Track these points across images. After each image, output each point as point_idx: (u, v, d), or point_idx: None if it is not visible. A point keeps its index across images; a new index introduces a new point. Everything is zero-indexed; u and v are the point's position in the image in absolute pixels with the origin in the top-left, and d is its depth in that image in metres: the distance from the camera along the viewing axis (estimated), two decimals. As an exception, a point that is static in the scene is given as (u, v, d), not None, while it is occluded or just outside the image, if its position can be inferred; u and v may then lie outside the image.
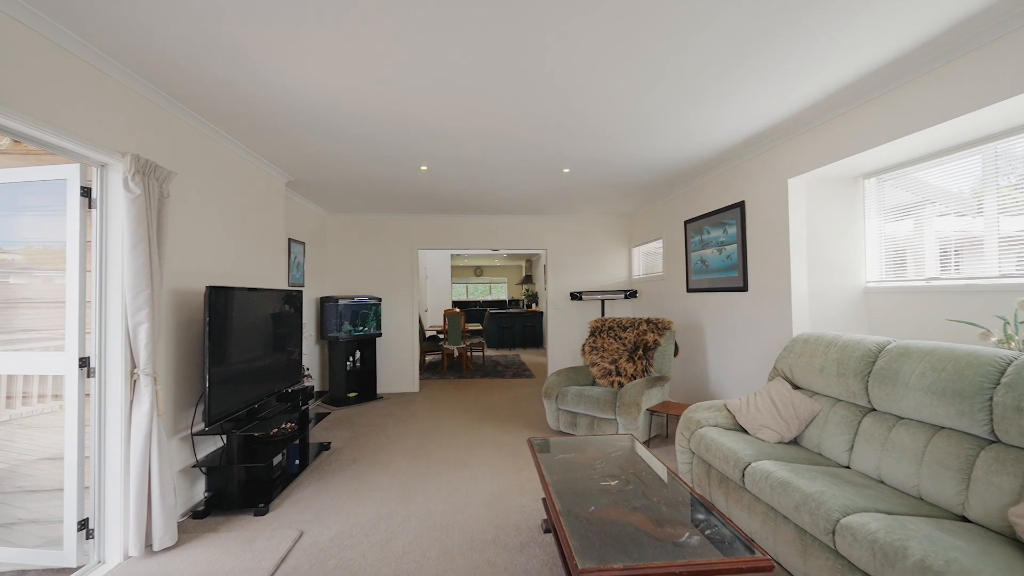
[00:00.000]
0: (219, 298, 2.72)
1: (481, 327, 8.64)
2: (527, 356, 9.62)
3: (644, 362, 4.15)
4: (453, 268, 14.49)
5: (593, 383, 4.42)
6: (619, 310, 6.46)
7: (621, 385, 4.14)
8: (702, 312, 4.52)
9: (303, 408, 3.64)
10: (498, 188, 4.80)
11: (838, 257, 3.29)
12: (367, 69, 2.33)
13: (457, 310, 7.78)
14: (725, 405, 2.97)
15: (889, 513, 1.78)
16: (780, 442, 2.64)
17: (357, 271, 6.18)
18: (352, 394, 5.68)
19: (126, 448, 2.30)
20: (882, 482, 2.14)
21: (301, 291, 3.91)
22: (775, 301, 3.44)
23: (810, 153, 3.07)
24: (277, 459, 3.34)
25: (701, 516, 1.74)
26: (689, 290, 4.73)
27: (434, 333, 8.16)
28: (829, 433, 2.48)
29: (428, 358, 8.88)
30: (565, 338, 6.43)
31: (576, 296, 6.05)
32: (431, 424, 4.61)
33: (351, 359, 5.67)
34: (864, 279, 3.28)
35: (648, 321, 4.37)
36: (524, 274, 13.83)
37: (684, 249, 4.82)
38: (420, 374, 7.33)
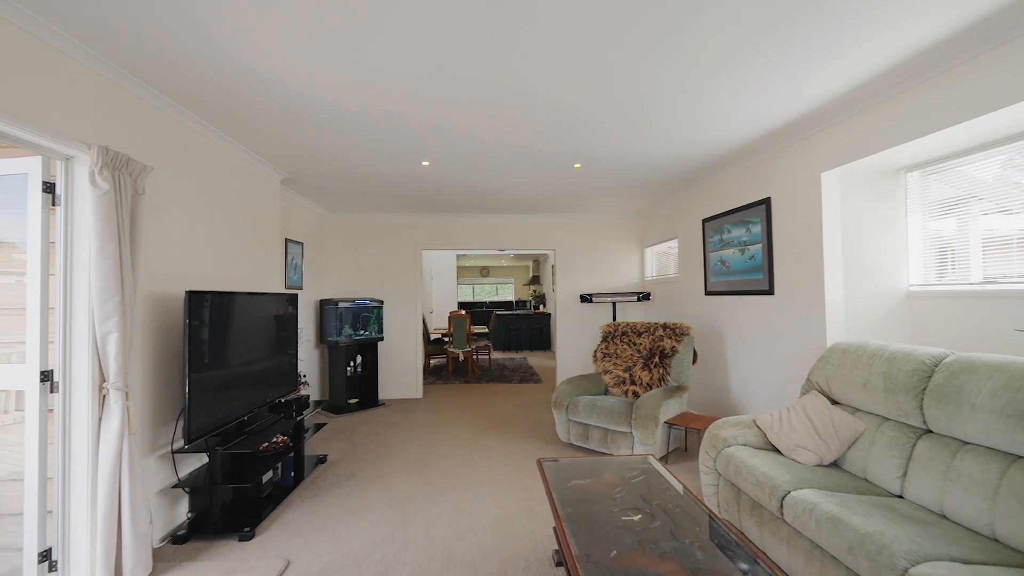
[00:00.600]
0: (201, 303, 2.50)
1: (487, 329, 8.40)
2: (535, 359, 9.37)
3: (661, 370, 3.88)
4: (459, 269, 14.28)
5: (606, 392, 4.16)
6: (631, 313, 6.19)
7: (636, 395, 3.87)
8: (722, 316, 4.24)
9: (298, 419, 3.42)
10: (504, 185, 4.56)
11: (877, 258, 3.01)
12: (360, 55, 2.09)
13: (463, 312, 7.55)
14: (755, 421, 2.70)
15: (966, 562, 1.51)
16: (819, 465, 2.36)
17: (358, 273, 5.96)
18: (353, 400, 5.47)
19: (93, 470, 2.08)
20: (944, 517, 1.87)
21: (296, 294, 3.70)
22: (806, 306, 3.16)
23: (847, 144, 2.79)
24: (267, 476, 3.12)
25: (745, 567, 1.48)
26: (707, 293, 4.45)
27: (439, 336, 7.93)
28: (877, 456, 2.21)
29: (433, 361, 8.65)
30: (575, 342, 6.17)
31: (586, 299, 5.79)
32: (434, 434, 4.37)
33: (352, 364, 5.45)
34: (906, 282, 2.99)
35: (664, 326, 4.10)
36: (531, 275, 13.58)
37: (702, 249, 4.54)
38: (424, 379, 7.10)
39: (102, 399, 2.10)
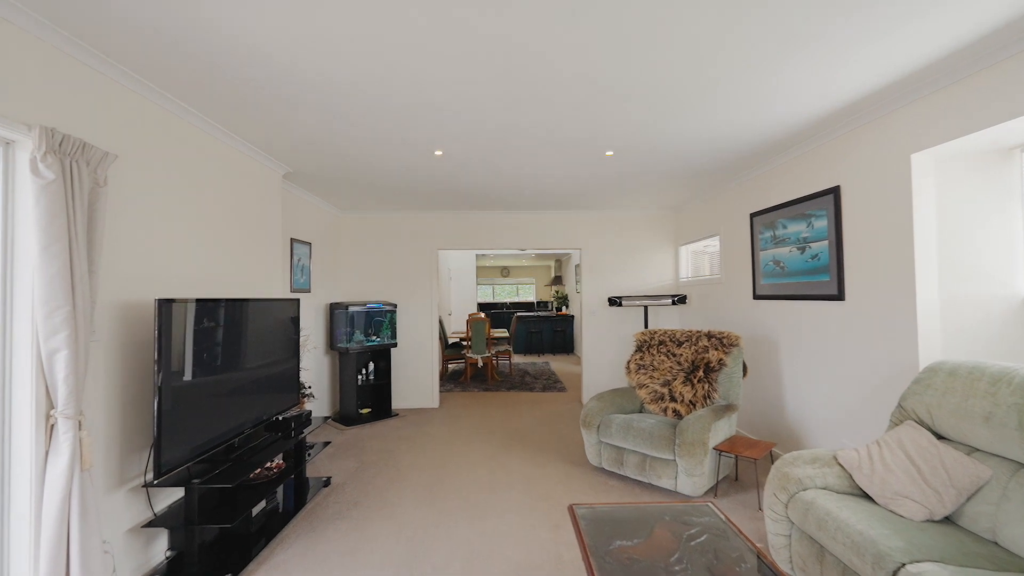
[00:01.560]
0: (175, 313, 2.15)
1: (507, 333, 7.98)
2: (557, 364, 8.91)
3: (706, 386, 3.39)
4: (478, 269, 13.94)
5: (641, 409, 3.69)
6: (664, 318, 5.68)
7: (677, 414, 3.39)
8: (774, 324, 3.72)
9: (298, 438, 3.07)
10: (526, 177, 4.13)
11: (982, 258, 2.47)
12: (359, 24, 1.70)
13: (482, 315, 7.15)
14: (835, 458, 2.21)
15: None
16: (929, 520, 1.86)
17: (371, 275, 5.62)
18: (365, 410, 5.13)
19: (37, 514, 1.74)
20: None
21: (298, 300, 3.35)
22: (889, 315, 2.64)
23: (948, 118, 2.27)
24: (259, 507, 2.77)
25: None
26: (756, 296, 3.93)
27: (457, 340, 7.56)
28: (1014, 516, 1.70)
29: (451, 366, 8.29)
30: (602, 349, 5.69)
31: (615, 301, 5.32)
32: (449, 451, 3.98)
33: (363, 372, 5.10)
34: (1021, 288, 2.44)
35: (709, 335, 3.60)
36: (553, 275, 13.11)
37: (750, 248, 4.02)
38: (441, 385, 6.73)
39: (49, 429, 1.77)
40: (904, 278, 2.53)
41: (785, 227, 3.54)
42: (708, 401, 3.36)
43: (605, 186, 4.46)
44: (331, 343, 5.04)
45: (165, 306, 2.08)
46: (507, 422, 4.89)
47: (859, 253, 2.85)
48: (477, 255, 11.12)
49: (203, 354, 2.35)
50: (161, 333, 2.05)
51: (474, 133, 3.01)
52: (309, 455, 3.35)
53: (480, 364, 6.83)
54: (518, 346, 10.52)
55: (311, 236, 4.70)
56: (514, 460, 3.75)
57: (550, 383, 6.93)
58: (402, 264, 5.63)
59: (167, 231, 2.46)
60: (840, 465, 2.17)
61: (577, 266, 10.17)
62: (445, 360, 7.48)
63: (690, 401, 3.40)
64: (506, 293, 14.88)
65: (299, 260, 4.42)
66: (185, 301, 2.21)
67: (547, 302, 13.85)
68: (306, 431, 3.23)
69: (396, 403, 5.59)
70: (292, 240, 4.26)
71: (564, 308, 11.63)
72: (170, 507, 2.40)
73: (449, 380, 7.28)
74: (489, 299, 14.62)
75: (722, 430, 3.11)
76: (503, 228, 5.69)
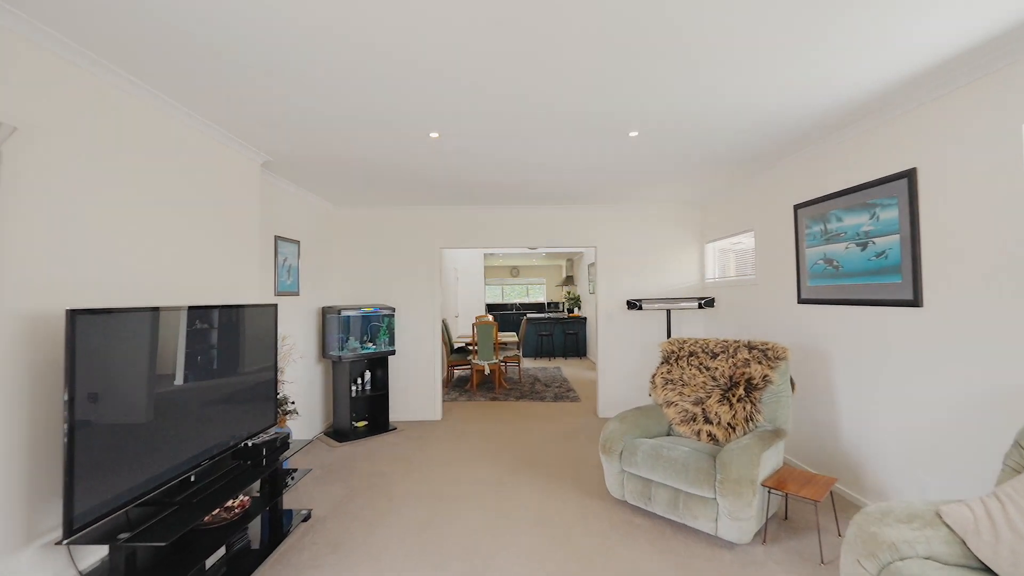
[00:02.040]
0: (95, 328, 1.71)
1: (516, 338, 7.51)
2: (570, 369, 8.42)
3: (748, 406, 2.89)
4: (487, 269, 13.50)
5: (669, 431, 3.20)
6: (689, 323, 5.17)
7: (713, 438, 2.90)
8: (825, 332, 3.20)
9: (271, 467, 2.64)
10: (535, 166, 3.65)
11: (1117, 253, 1.94)
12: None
13: (490, 319, 6.70)
14: (939, 515, 1.70)
15: None
16: (1092, 616, 1.36)
17: (367, 276, 5.19)
18: (360, 424, 4.69)
19: None
20: None
21: (275, 305, 2.92)
22: (989, 327, 2.11)
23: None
24: (218, 554, 2.33)
25: None
26: (802, 300, 3.41)
27: (464, 344, 7.10)
28: None
29: (457, 372, 7.83)
30: (619, 357, 5.20)
31: (634, 305, 4.82)
32: (449, 476, 3.52)
33: (358, 382, 4.67)
34: None
35: (750, 346, 3.10)
36: (565, 275, 12.61)
37: (794, 244, 3.50)
38: (445, 393, 6.29)
39: (-94, 484, 1.34)
40: (1011, 280, 2.01)
41: (840, 219, 3.02)
42: (750, 424, 2.85)
43: (626, 174, 3.97)
44: (324, 351, 4.62)
45: (83, 319, 1.64)
46: (516, 439, 4.42)
47: (943, 250, 2.33)
48: (485, 254, 10.67)
49: (136, 375, 1.91)
50: (75, 352, 1.62)
51: (474, 110, 2.54)
52: (289, 482, 2.92)
53: (487, 371, 6.38)
54: (528, 350, 10.05)
55: (299, 234, 4.28)
56: (523, 488, 3.28)
57: (562, 392, 6.45)
58: (402, 264, 5.19)
59: (108, 226, 2.03)
60: (947, 526, 1.66)
61: (591, 265, 9.67)
62: (450, 366, 7.04)
63: (728, 424, 2.90)
64: (516, 294, 14.42)
65: (285, 260, 4.00)
66: (111, 311, 1.77)
67: (558, 303, 13.36)
68: (284, 456, 2.80)
69: (395, 415, 5.15)
70: (276, 238, 3.83)
71: (576, 309, 11.13)
72: (103, 562, 1.97)
73: (454, 388, 6.83)
74: (498, 300, 14.17)
75: (770, 461, 2.60)
76: (511, 225, 5.22)
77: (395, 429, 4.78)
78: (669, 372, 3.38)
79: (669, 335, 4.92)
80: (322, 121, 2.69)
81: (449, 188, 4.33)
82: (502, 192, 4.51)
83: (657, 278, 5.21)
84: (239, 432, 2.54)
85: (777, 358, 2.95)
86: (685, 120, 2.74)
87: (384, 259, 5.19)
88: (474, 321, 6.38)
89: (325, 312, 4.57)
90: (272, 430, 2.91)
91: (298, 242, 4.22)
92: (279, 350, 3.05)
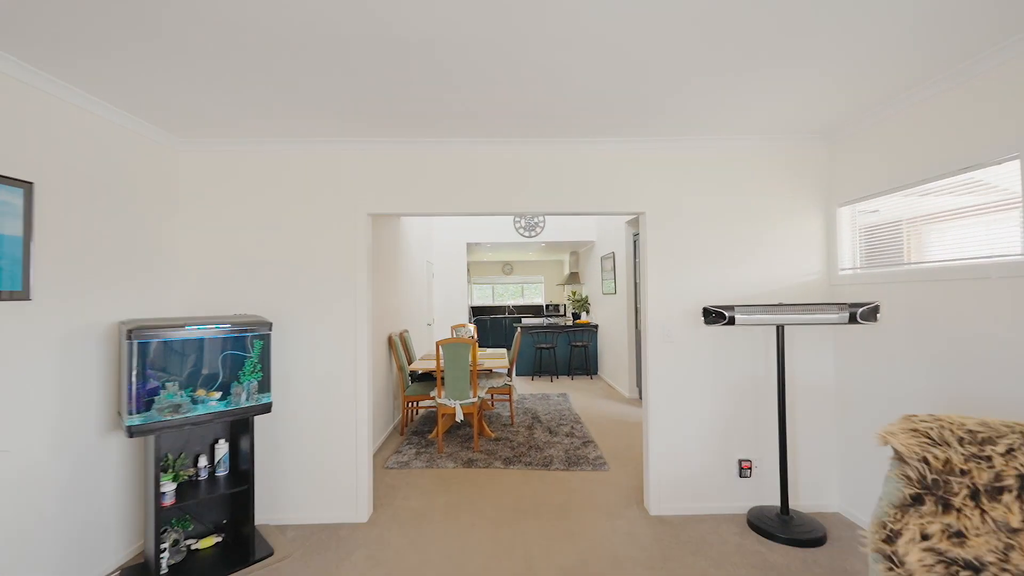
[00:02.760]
0: None
1: (506, 360, 5.21)
2: (580, 397, 6.16)
3: None
4: (471, 265, 11.24)
5: None
6: (801, 348, 2.93)
7: None
8: None
9: None
10: (552, 39, 1.39)
11: None
12: None
13: (469, 330, 4.43)
14: None
15: None
16: None
17: (226, 265, 2.91)
18: (206, 543, 2.42)
19: None
20: None
21: None
22: None
23: None
24: None
25: None
26: None
27: (429, 371, 4.76)
28: None
29: (422, 409, 5.42)
30: (685, 402, 2.95)
31: (717, 315, 2.60)
32: None
33: (195, 465, 2.40)
34: None
35: None
36: (568, 271, 10.34)
37: None
38: (396, 449, 4.00)
39: None
40: None
41: None
42: None
43: (733, 29, 1.72)
44: (121, 411, 2.34)
45: None
46: (500, 591, 2.16)
47: None
48: (468, 244, 8.40)
49: None
50: None
51: None
52: None
53: (460, 418, 4.10)
54: (523, 366, 7.80)
55: (49, 170, 2.00)
56: None
57: (578, 447, 4.19)
58: (299, 245, 2.92)
59: None
60: None
61: (603, 258, 7.43)
62: (407, 403, 4.76)
63: None
64: (509, 294, 12.18)
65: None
66: None
67: (559, 305, 11.14)
68: None
69: (277, 515, 2.87)
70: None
71: (584, 315, 8.88)
72: None
73: (412, 437, 4.55)
74: (488, 301, 11.92)
75: None
76: (496, 174, 2.97)
77: (270, 555, 2.49)
78: (947, 525, 1.14)
79: (781, 370, 2.69)
80: None
81: (384, 92, 2.07)
82: (486, 103, 2.26)
83: (750, 270, 2.98)
84: None
85: None
86: None
87: (263, 235, 2.91)
88: (437, 343, 4.08)
89: (131, 335, 2.27)
90: None
91: (30, 184, 1.94)
92: None
